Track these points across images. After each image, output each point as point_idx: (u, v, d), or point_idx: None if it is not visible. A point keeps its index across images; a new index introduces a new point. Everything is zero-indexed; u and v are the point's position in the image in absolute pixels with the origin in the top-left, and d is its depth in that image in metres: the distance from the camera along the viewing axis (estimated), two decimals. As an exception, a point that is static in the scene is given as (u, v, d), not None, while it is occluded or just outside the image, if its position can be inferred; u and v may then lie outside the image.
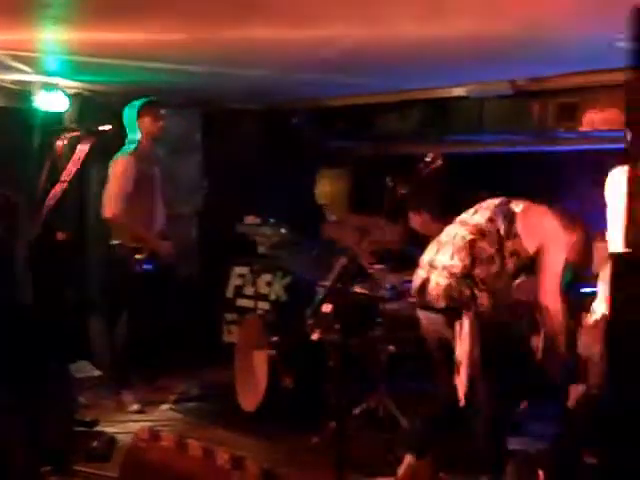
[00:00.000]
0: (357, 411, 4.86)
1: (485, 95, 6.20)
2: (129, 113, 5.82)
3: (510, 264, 3.84)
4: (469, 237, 3.92)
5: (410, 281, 5.22)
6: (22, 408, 4.19)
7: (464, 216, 4.09)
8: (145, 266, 5.62)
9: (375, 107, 7.05)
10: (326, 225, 5.08)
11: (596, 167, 6.13)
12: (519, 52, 4.76)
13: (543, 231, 3.91)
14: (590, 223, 4.20)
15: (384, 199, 4.12)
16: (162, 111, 5.91)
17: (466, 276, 3.82)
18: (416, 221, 5.61)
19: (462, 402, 3.82)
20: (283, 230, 5.88)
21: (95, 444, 4.69)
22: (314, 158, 7.67)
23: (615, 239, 3.52)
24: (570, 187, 6.46)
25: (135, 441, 3.55)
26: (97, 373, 6.39)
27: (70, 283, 6.31)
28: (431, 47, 4.69)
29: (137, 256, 5.60)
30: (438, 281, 3.90)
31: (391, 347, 4.94)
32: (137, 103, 5.83)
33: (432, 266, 3.98)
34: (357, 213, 4.92)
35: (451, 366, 3.92)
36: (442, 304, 3.87)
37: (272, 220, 5.82)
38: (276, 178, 7.42)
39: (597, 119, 5.56)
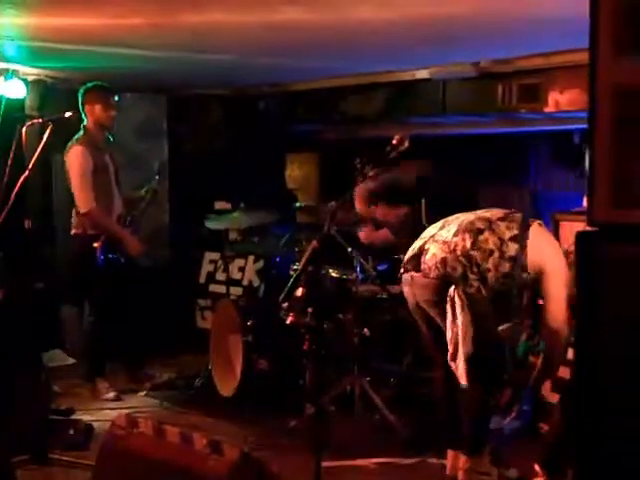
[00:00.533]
0: (332, 394, 4.90)
1: (448, 77, 6.25)
2: (79, 98, 5.72)
3: (506, 266, 3.90)
4: (477, 224, 3.97)
5: (381, 264, 5.32)
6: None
7: (476, 211, 4.14)
8: (110, 255, 5.60)
9: (340, 90, 7.08)
10: (297, 210, 5.10)
11: (560, 147, 6.27)
12: (482, 34, 4.81)
13: (548, 255, 3.94)
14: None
15: (352, 181, 4.16)
16: (112, 99, 5.74)
17: (463, 255, 3.88)
18: (380, 213, 5.65)
19: (463, 382, 3.88)
20: (254, 215, 5.89)
21: (72, 432, 4.68)
22: (281, 143, 7.69)
23: None
24: (534, 168, 6.57)
25: (113, 428, 3.58)
26: (70, 361, 6.39)
27: (39, 271, 6.29)
28: (393, 30, 4.73)
29: (95, 244, 5.58)
30: (435, 252, 3.95)
31: (365, 330, 4.98)
32: (83, 88, 5.73)
33: (433, 239, 4.03)
34: (326, 196, 4.95)
35: (442, 347, 3.99)
36: (434, 274, 3.92)
37: (242, 205, 5.82)
38: (244, 163, 7.44)
39: (562, 100, 5.63)
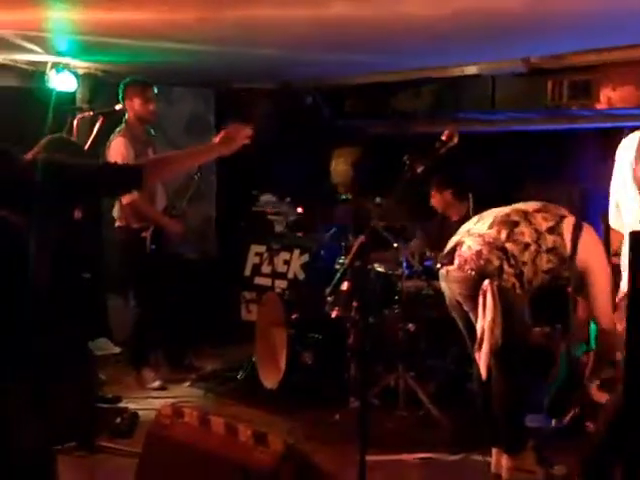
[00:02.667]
0: (377, 388, 4.90)
1: (498, 73, 6.20)
2: (120, 92, 5.77)
3: (544, 259, 3.87)
4: (512, 217, 3.95)
5: (428, 259, 5.30)
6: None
7: (516, 204, 4.12)
8: (152, 246, 5.66)
9: (388, 86, 7.06)
10: (341, 204, 5.11)
11: (611, 145, 6.18)
12: (532, 29, 4.75)
13: (589, 246, 3.93)
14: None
15: (399, 177, 4.15)
16: (151, 92, 5.76)
17: (499, 248, 3.86)
18: (437, 200, 5.64)
19: (484, 376, 3.86)
20: (299, 209, 5.91)
21: (118, 420, 4.75)
22: (328, 137, 7.68)
23: (627, 209, 3.51)
24: (584, 166, 6.48)
25: (158, 417, 3.62)
26: (117, 350, 6.46)
27: (87, 261, 6.37)
28: (443, 25, 4.69)
29: (143, 234, 5.64)
30: (470, 245, 3.94)
31: (410, 325, 4.97)
32: (122, 83, 5.78)
33: (469, 233, 4.02)
34: (371, 192, 4.95)
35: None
36: (468, 268, 3.90)
37: (288, 199, 5.84)
38: (291, 157, 7.44)
39: (614, 96, 5.55)
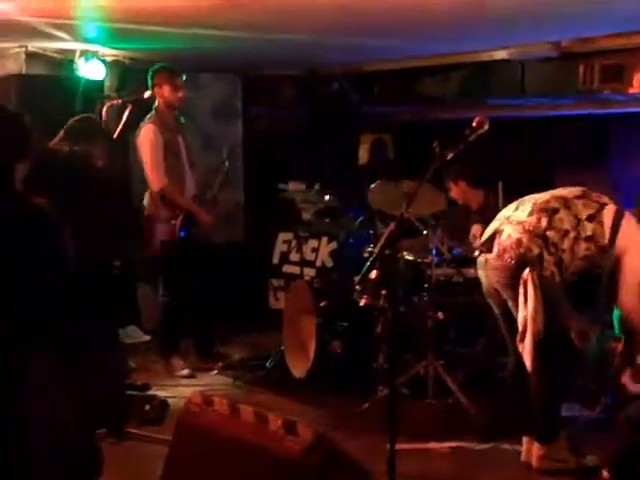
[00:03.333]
0: (406, 377, 4.88)
1: (528, 58, 6.13)
2: (148, 79, 5.78)
3: (582, 246, 3.82)
4: (552, 204, 3.90)
5: (458, 247, 5.26)
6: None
7: (555, 190, 4.07)
8: (182, 234, 5.66)
9: (416, 71, 7.01)
10: (370, 191, 5.08)
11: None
12: (563, 12, 4.69)
13: (629, 234, 3.87)
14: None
15: (429, 164, 4.11)
16: (180, 80, 5.75)
17: (539, 235, 3.82)
18: (455, 192, 5.59)
19: (529, 368, 3.83)
20: (327, 196, 5.88)
21: (148, 408, 4.77)
22: (356, 124, 7.66)
23: None
24: (616, 151, 6.40)
25: (188, 406, 3.63)
26: (146, 338, 6.50)
27: (118, 249, 6.40)
28: (471, 8, 4.65)
29: (172, 222, 5.64)
30: (510, 233, 3.89)
31: (439, 314, 4.95)
32: (151, 70, 5.78)
33: (508, 220, 3.98)
34: (399, 178, 4.91)
35: (514, 332, 3.94)
36: (508, 256, 3.86)
37: (316, 186, 5.82)
38: (318, 144, 7.43)
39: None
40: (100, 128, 4.57)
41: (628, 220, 3.93)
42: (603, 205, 3.92)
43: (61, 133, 4.32)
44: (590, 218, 3.85)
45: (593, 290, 3.96)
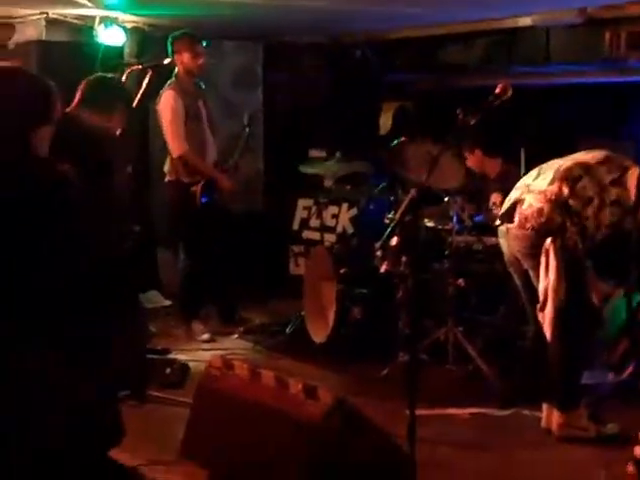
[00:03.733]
0: (426, 343, 4.88)
1: (553, 24, 6.05)
2: (168, 46, 5.76)
3: (607, 213, 3.78)
4: (574, 171, 3.86)
5: (478, 214, 5.23)
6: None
7: (572, 155, 4.02)
8: (203, 199, 5.67)
9: (439, 39, 6.94)
10: (391, 153, 5.05)
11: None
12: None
13: None
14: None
15: (452, 131, 4.07)
16: (200, 46, 5.73)
17: (561, 204, 3.78)
18: (471, 161, 5.54)
19: (549, 337, 3.82)
20: (348, 163, 5.85)
21: (168, 371, 4.81)
22: (378, 91, 7.60)
23: None
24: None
25: (209, 369, 3.66)
26: (167, 303, 6.52)
27: (136, 214, 6.42)
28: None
29: (193, 188, 5.64)
30: (532, 202, 3.86)
31: (460, 280, 4.93)
32: (170, 37, 5.76)
33: (529, 189, 3.94)
34: (422, 141, 4.88)
35: (535, 301, 3.93)
36: (529, 225, 3.83)
37: (338, 153, 5.79)
38: (339, 112, 7.39)
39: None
40: (118, 90, 4.51)
41: None
42: (627, 168, 3.88)
43: (78, 95, 4.24)
44: (614, 182, 3.81)
45: (621, 254, 3.92)
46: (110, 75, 4.78)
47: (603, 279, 4.03)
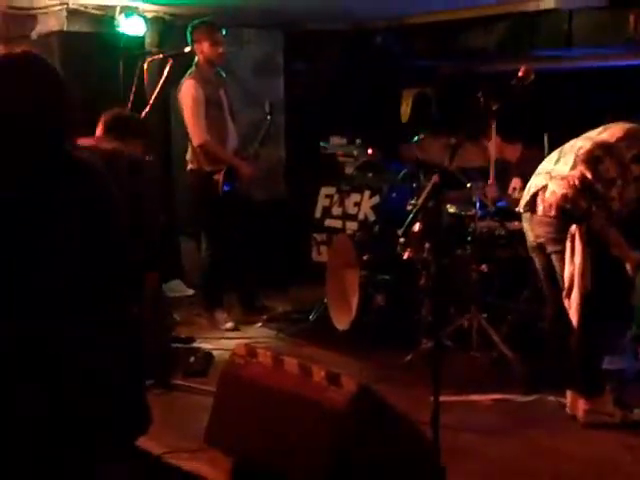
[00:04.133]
0: (449, 329, 4.87)
1: (576, 7, 5.99)
2: (188, 35, 5.76)
3: (632, 190, 3.74)
4: (595, 153, 3.80)
5: (501, 200, 5.20)
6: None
7: (590, 133, 3.97)
8: (225, 187, 5.67)
9: (459, 23, 6.89)
10: (412, 144, 5.03)
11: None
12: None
13: None
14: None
15: (472, 116, 4.05)
16: (219, 35, 5.71)
17: (585, 189, 3.74)
18: (491, 146, 5.49)
19: (575, 325, 3.79)
20: (370, 150, 5.84)
21: (192, 360, 4.84)
22: (398, 78, 7.57)
23: None
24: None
25: (233, 357, 3.66)
26: (190, 292, 6.54)
27: (159, 204, 6.43)
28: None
29: (215, 177, 5.65)
30: (555, 189, 3.81)
31: (483, 266, 4.91)
32: (190, 25, 5.75)
33: (551, 175, 3.89)
34: (442, 132, 4.85)
35: (557, 286, 3.89)
36: (554, 213, 3.79)
37: (358, 140, 5.78)
38: (360, 98, 7.36)
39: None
40: (140, 124, 4.51)
41: None
42: None
43: (100, 128, 4.20)
44: (635, 159, 3.76)
45: None
46: (129, 112, 4.78)
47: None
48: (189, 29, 5.74)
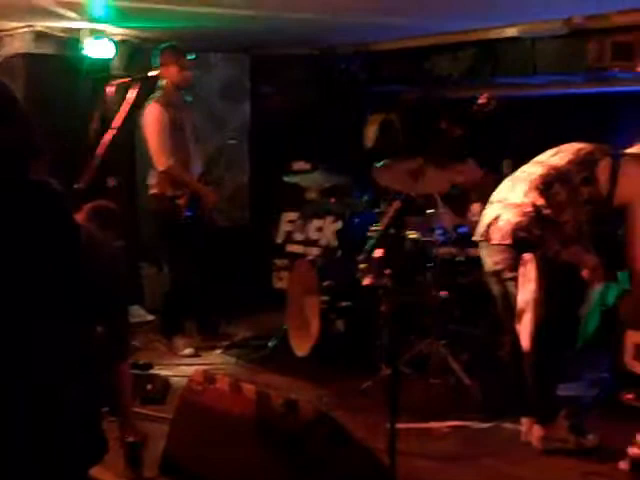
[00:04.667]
0: (408, 356, 4.87)
1: (538, 35, 6.06)
2: (153, 59, 5.76)
3: (584, 211, 3.77)
4: (546, 178, 3.83)
5: (462, 226, 5.23)
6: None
7: (541, 157, 4.01)
8: (187, 213, 5.66)
9: (424, 50, 6.95)
10: (376, 170, 5.05)
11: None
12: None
13: (633, 183, 3.80)
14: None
15: (435, 142, 4.08)
16: (186, 60, 5.73)
17: (538, 215, 3.77)
18: (454, 171, 5.52)
19: (527, 349, 3.80)
20: (333, 176, 5.85)
21: (150, 387, 4.78)
22: (364, 103, 7.61)
23: None
24: (625, 130, 6.33)
25: (190, 383, 3.65)
26: (149, 317, 6.48)
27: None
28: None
29: (177, 201, 5.62)
30: (509, 218, 3.84)
31: (443, 292, 4.92)
32: (157, 49, 5.76)
33: (504, 204, 3.92)
34: (407, 158, 4.87)
35: (513, 313, 3.92)
36: (509, 241, 3.82)
37: (322, 166, 5.79)
38: (326, 123, 7.38)
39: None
40: (117, 213, 4.48)
41: (627, 166, 3.82)
42: (597, 162, 3.84)
43: (84, 215, 4.14)
44: (584, 181, 3.79)
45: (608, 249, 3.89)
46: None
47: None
48: (156, 52, 5.73)
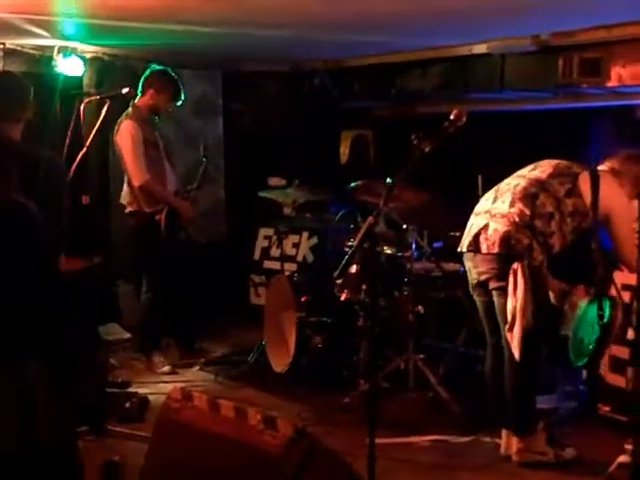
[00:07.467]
0: (386, 371, 4.88)
1: (507, 51, 6.13)
2: (146, 78, 5.74)
3: (568, 223, 3.84)
4: (530, 190, 3.90)
5: (437, 241, 5.26)
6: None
7: (522, 171, 4.08)
8: (170, 227, 5.64)
9: (396, 66, 7.00)
10: (352, 188, 5.06)
11: (622, 123, 6.12)
12: (543, 5, 4.69)
13: (612, 196, 3.88)
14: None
15: (407, 158, 4.11)
16: (180, 94, 5.79)
17: (526, 226, 3.83)
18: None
19: (518, 357, 3.83)
20: (308, 191, 5.86)
21: (128, 405, 4.76)
22: (336, 119, 7.65)
23: None
24: (595, 145, 6.42)
25: (168, 401, 3.62)
26: (127, 335, 6.43)
27: (95, 246, 6.35)
28: (451, 3, 4.64)
29: (156, 217, 5.61)
30: (497, 227, 3.89)
31: (419, 307, 4.95)
32: (154, 70, 5.76)
33: (491, 214, 3.97)
34: (380, 174, 4.89)
35: (496, 325, 3.94)
36: (497, 250, 3.86)
37: (297, 181, 5.80)
38: (299, 139, 7.41)
39: (625, 74, 5.49)
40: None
41: (605, 180, 3.91)
42: (577, 175, 3.93)
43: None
44: (568, 193, 3.87)
45: (579, 253, 3.94)
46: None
47: (559, 278, 4.00)
48: (150, 73, 5.72)
